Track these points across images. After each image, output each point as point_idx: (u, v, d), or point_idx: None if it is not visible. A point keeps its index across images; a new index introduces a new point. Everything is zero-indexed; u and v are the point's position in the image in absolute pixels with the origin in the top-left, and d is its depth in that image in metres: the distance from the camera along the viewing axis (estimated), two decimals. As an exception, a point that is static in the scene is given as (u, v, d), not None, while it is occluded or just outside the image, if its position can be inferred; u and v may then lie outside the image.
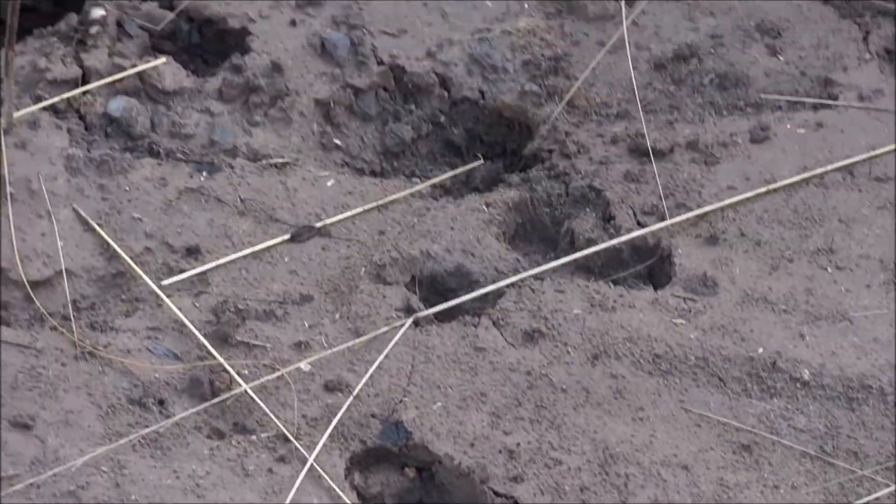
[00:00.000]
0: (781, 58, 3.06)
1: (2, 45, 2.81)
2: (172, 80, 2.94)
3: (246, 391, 2.35)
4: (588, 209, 2.75)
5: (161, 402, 2.32)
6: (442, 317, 2.53)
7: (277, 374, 2.37)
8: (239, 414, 2.35)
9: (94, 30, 2.99)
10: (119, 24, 3.04)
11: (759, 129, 2.81)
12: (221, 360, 2.39)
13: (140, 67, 2.93)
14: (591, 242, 2.64)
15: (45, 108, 2.84)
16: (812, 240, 2.62)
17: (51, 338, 2.42)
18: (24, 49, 2.93)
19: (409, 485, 2.32)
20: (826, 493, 2.27)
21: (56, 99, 2.87)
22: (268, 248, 2.64)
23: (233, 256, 2.62)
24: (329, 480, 2.28)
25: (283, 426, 2.32)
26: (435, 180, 2.93)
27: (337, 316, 2.50)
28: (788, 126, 2.87)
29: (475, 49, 3.08)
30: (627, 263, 2.63)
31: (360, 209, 2.77)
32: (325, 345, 2.44)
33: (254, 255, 2.63)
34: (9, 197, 2.63)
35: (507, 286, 2.59)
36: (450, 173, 2.97)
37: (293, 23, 3.08)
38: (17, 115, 2.76)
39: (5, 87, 2.79)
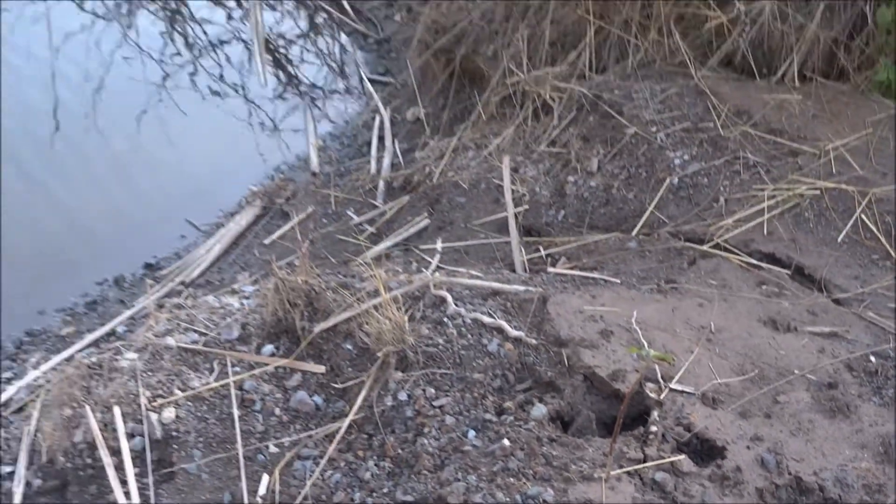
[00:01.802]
0: None
1: (608, 438, 4.16)
2: (686, 467, 4.04)
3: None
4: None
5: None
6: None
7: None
8: None
9: (650, 437, 4.19)
10: (662, 435, 4.18)
11: None
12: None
13: (671, 459, 4.06)
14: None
15: (625, 472, 4.13)
16: None
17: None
18: (617, 442, 4.11)
19: None
20: None
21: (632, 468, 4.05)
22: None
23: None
24: None
25: None
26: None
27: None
28: None
29: (838, 474, 4.02)
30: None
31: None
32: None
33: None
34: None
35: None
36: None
37: (748, 447, 4.15)
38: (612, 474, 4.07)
39: (610, 458, 4.05)
